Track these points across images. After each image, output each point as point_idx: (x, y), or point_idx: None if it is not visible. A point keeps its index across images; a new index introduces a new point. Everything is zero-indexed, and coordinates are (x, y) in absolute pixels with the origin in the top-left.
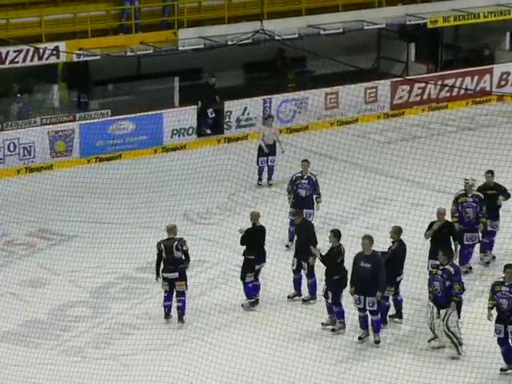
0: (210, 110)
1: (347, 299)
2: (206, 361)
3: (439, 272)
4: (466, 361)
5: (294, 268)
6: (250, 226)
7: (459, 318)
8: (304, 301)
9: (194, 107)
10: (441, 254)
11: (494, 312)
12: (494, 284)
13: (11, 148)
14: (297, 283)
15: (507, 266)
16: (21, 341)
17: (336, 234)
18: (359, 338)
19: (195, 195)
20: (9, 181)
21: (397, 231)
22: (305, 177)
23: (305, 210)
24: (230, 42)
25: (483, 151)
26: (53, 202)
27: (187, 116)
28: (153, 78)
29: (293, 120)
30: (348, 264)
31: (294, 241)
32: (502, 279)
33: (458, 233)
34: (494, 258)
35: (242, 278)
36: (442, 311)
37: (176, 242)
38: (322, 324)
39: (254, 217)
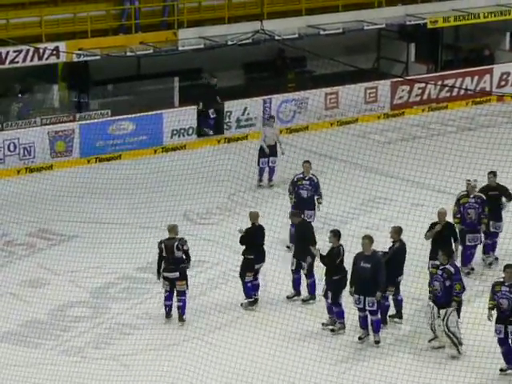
0: (212, 110)
1: (347, 299)
2: (206, 361)
3: (439, 272)
4: (466, 361)
5: (293, 268)
6: (250, 225)
7: (459, 317)
8: (303, 301)
9: (194, 107)
10: (441, 253)
11: (494, 312)
12: (494, 284)
13: (11, 148)
14: (296, 283)
15: (507, 266)
16: (21, 341)
17: (336, 235)
18: (359, 338)
19: (195, 195)
20: (9, 181)
21: (397, 231)
22: (306, 178)
23: (306, 211)
24: (230, 42)
25: (483, 151)
26: (53, 203)
27: (187, 116)
28: (153, 78)
29: (293, 120)
30: (348, 264)
31: (290, 240)
32: (502, 279)
33: (460, 234)
34: (496, 259)
35: (242, 277)
36: (442, 311)
37: (177, 242)
38: (323, 324)
39: (254, 217)
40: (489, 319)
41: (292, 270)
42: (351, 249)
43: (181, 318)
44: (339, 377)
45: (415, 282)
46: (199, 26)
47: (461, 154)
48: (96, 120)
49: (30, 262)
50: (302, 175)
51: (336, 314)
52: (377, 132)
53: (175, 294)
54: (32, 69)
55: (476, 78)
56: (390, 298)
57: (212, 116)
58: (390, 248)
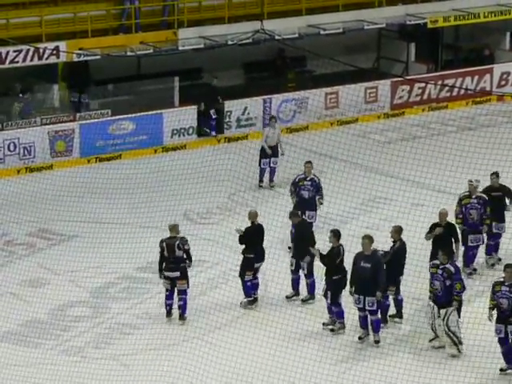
0: (213, 110)
1: (347, 299)
2: (206, 360)
3: (439, 271)
4: (466, 361)
5: (293, 268)
6: (249, 225)
7: (459, 317)
8: (303, 301)
9: (194, 107)
10: (441, 253)
11: (495, 312)
12: (495, 284)
13: (11, 148)
14: (295, 283)
15: (507, 266)
16: (21, 341)
17: (336, 234)
18: (359, 338)
19: (195, 195)
20: (9, 181)
21: (397, 231)
22: (308, 178)
23: (307, 212)
24: (230, 42)
25: (483, 151)
26: (53, 202)
27: (187, 116)
28: (153, 78)
29: (293, 120)
30: (348, 264)
31: (292, 241)
32: (502, 279)
33: (462, 234)
34: (499, 260)
35: (241, 276)
36: (443, 311)
37: (178, 241)
38: (323, 324)
39: (253, 216)
40: (489, 319)
41: (291, 270)
42: (351, 248)
43: (181, 317)
44: (339, 377)
45: (415, 281)
46: (199, 25)
47: (461, 154)
48: (96, 120)
49: (30, 261)
50: (303, 175)
51: (336, 313)
52: (377, 132)
53: (176, 293)
54: (32, 68)
55: (476, 77)
56: (390, 297)
57: (214, 117)
58: (390, 248)
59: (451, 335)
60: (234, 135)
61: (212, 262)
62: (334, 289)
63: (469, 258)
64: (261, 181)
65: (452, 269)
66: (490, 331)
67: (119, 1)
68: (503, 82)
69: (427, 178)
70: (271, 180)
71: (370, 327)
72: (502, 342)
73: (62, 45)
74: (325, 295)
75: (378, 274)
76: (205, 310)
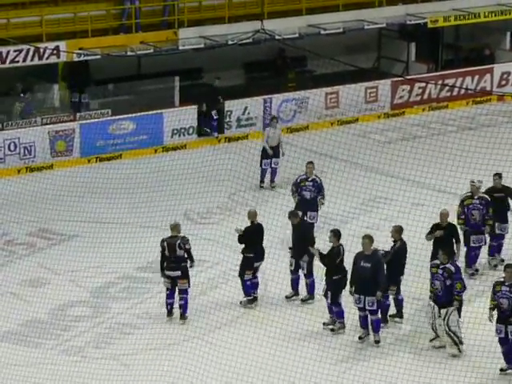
0: (214, 111)
1: (347, 299)
2: (207, 360)
3: (439, 271)
4: (467, 360)
5: (292, 268)
6: (248, 224)
7: (460, 317)
8: (302, 301)
9: (195, 107)
10: (441, 253)
11: (495, 313)
12: (495, 284)
13: (12, 147)
14: (294, 283)
15: (507, 266)
16: (21, 340)
17: (336, 234)
18: (359, 338)
19: (195, 195)
20: (9, 180)
21: (398, 230)
22: (309, 179)
23: (309, 213)
24: (230, 42)
25: (484, 151)
26: (53, 202)
27: (187, 116)
28: (153, 78)
29: (293, 120)
30: (348, 264)
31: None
32: (502, 279)
33: (464, 235)
34: (502, 260)
35: (241, 275)
36: (443, 310)
37: (179, 241)
38: (324, 324)
39: (252, 215)
40: (489, 320)
41: (291, 270)
42: (351, 248)
43: (182, 317)
44: (339, 376)
45: (416, 281)
46: (200, 25)
47: (461, 154)
48: (96, 119)
49: (30, 261)
50: (304, 176)
51: (336, 313)
52: (377, 131)
53: (177, 292)
54: (32, 68)
55: (476, 77)
56: (391, 297)
57: (215, 117)
58: (391, 248)
59: (452, 335)
60: (234, 135)
61: (212, 262)
62: (334, 289)
63: (471, 258)
64: (262, 181)
65: (452, 268)
66: (491, 331)
67: (119, 1)
68: (503, 82)
69: (427, 177)
70: (272, 181)
71: (370, 327)
72: (503, 342)
73: (62, 45)
74: (325, 295)
75: (378, 274)
76: (205, 310)
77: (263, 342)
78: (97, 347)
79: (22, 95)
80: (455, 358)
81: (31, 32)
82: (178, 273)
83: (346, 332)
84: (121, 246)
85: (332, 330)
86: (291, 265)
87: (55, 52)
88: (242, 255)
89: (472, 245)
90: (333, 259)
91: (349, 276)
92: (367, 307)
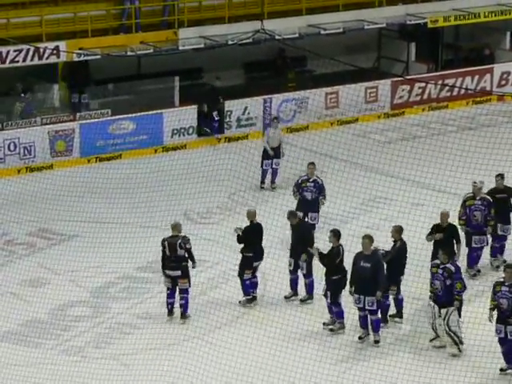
0: (216, 112)
1: (347, 299)
2: (207, 360)
3: (439, 271)
4: (467, 360)
5: (291, 268)
6: (248, 224)
7: (460, 317)
8: (301, 301)
9: (194, 107)
10: (441, 252)
11: (495, 313)
12: (495, 284)
13: (11, 147)
14: (293, 283)
15: (507, 266)
16: (21, 340)
17: (336, 234)
18: (359, 338)
19: (195, 195)
20: (9, 180)
21: (398, 230)
22: (311, 180)
23: (310, 213)
24: (230, 42)
25: (484, 151)
26: (53, 202)
27: (187, 116)
28: (153, 78)
29: (293, 120)
30: (348, 264)
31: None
32: (502, 279)
33: (466, 236)
34: (504, 262)
35: (240, 275)
36: (443, 310)
37: (180, 240)
38: (324, 324)
39: (251, 215)
40: (489, 320)
41: (290, 270)
42: (351, 248)
43: (183, 316)
44: (339, 376)
45: (415, 281)
46: (199, 25)
47: (461, 154)
48: (96, 119)
49: (30, 261)
50: (306, 177)
51: (335, 313)
52: (377, 131)
53: (178, 292)
54: (32, 68)
55: (476, 77)
56: (391, 297)
57: (216, 118)
58: (391, 247)
59: (452, 335)
60: (234, 135)
61: (212, 262)
62: (333, 289)
63: (472, 259)
64: (262, 182)
65: (452, 268)
66: (491, 331)
67: (119, 1)
68: (503, 82)
69: (427, 177)
70: (273, 181)
71: (370, 327)
72: (503, 342)
73: (62, 44)
74: (325, 295)
75: (378, 274)
76: (205, 310)
77: (263, 342)
78: (97, 347)
79: (22, 95)
80: (455, 357)
81: (31, 32)
82: (179, 272)
83: (346, 332)
84: (121, 245)
85: (331, 330)
86: (290, 265)
87: (55, 52)
88: (241, 255)
89: (474, 245)
90: (332, 259)
91: (349, 276)
92: (367, 307)
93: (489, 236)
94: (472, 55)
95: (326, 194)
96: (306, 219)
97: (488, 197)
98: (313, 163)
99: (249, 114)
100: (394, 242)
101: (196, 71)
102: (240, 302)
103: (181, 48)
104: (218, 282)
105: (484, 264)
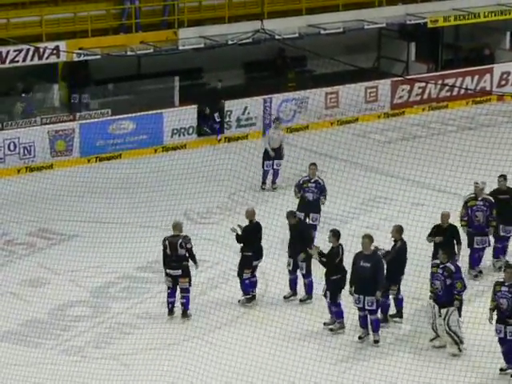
0: (217, 114)
1: (347, 299)
2: (207, 360)
3: (439, 270)
4: (467, 360)
5: (290, 268)
6: (247, 223)
7: (460, 316)
8: (301, 301)
9: (194, 107)
10: (440, 252)
11: (495, 314)
12: (495, 284)
13: (11, 147)
14: (292, 283)
15: (507, 266)
16: (21, 340)
17: (335, 234)
18: (359, 338)
19: (195, 195)
20: (9, 180)
21: (398, 230)
22: (312, 180)
23: (311, 214)
24: (230, 42)
25: (483, 151)
26: (53, 202)
27: (187, 115)
28: (153, 78)
29: (293, 119)
30: (348, 263)
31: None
32: (502, 279)
33: (468, 236)
34: (507, 262)
35: (239, 274)
36: (443, 310)
37: (181, 240)
38: (324, 324)
39: (250, 214)
40: (489, 321)
41: (289, 270)
42: (351, 248)
43: (184, 315)
44: (339, 376)
45: (415, 281)
46: (199, 25)
47: (461, 154)
48: (96, 119)
49: (30, 261)
50: (307, 178)
51: (335, 313)
52: (377, 131)
53: (178, 291)
54: (32, 68)
55: (476, 77)
56: (391, 297)
57: (218, 120)
58: (392, 247)
59: (452, 334)
60: (234, 135)
61: (212, 262)
62: (333, 288)
63: (474, 260)
64: (263, 183)
65: (452, 267)
66: (491, 331)
67: (119, 1)
68: (503, 82)
69: (427, 177)
70: (274, 182)
71: (369, 327)
72: (502, 341)
73: (62, 44)
74: (325, 295)
75: (378, 274)
76: (205, 310)
77: (263, 342)
78: (97, 347)
79: (23, 95)
80: (455, 357)
81: (31, 32)
82: (179, 271)
83: (346, 332)
84: (121, 245)
85: (331, 329)
86: (289, 265)
87: (55, 52)
88: (240, 254)
89: (476, 246)
90: (332, 259)
91: (348, 276)
92: (367, 307)
93: (491, 237)
94: (472, 55)
95: (326, 195)
96: (308, 220)
97: (490, 197)
98: (314, 164)
99: (249, 113)
100: (395, 241)
101: (196, 71)
102: (239, 301)
103: (181, 48)
104: (217, 281)
105: (486, 265)
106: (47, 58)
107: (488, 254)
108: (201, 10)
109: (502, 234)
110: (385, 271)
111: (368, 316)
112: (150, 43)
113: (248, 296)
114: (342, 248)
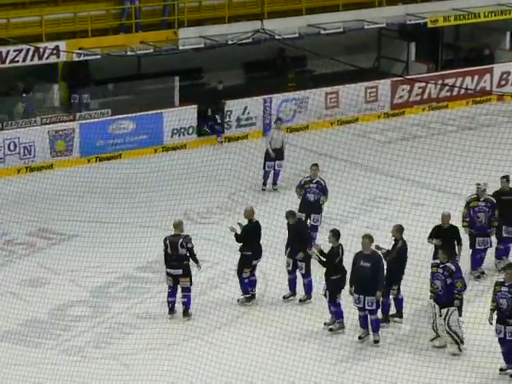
0: (218, 115)
1: (347, 299)
2: (206, 360)
3: (440, 270)
4: (467, 360)
5: (289, 268)
6: (246, 222)
7: (460, 316)
8: (300, 301)
9: (194, 107)
10: (440, 252)
11: (495, 314)
12: (495, 284)
13: (11, 147)
14: (292, 283)
15: (507, 267)
16: (21, 340)
17: (335, 234)
18: (359, 338)
19: (195, 195)
20: (9, 180)
21: (399, 229)
22: (313, 181)
23: (313, 215)
24: (230, 42)
25: (483, 151)
26: (53, 202)
27: (187, 115)
28: (153, 78)
29: (293, 119)
30: (348, 263)
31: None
32: (502, 279)
33: (470, 237)
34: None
35: (239, 273)
36: (444, 310)
37: (181, 239)
38: (325, 324)
39: (249, 213)
40: (489, 322)
41: (288, 270)
42: (351, 248)
43: (186, 314)
44: (339, 376)
45: (415, 281)
46: (199, 25)
47: (461, 154)
48: (96, 119)
49: (30, 261)
50: (309, 178)
51: (334, 313)
52: (377, 131)
53: (179, 290)
54: (32, 68)
55: (476, 77)
56: (391, 296)
57: (219, 121)
58: (392, 247)
59: (452, 334)
60: (234, 135)
61: (212, 262)
62: (332, 288)
63: (476, 261)
64: (264, 184)
65: (452, 267)
66: (491, 331)
67: (119, 0)
68: (503, 82)
69: (427, 177)
70: (274, 183)
71: (369, 327)
72: (502, 342)
73: (62, 44)
74: (325, 295)
75: (378, 274)
76: (205, 310)
77: (263, 342)
78: (97, 347)
79: (24, 95)
80: (455, 357)
81: (31, 32)
82: (180, 271)
83: (346, 332)
84: (121, 245)
85: (331, 329)
86: (288, 265)
87: (55, 52)
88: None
89: (477, 247)
90: (332, 259)
91: (348, 276)
92: (367, 307)
93: (493, 237)
94: (472, 55)
95: (327, 196)
96: (309, 221)
97: (492, 198)
98: (316, 164)
99: (249, 113)
100: (395, 241)
101: (196, 71)
102: (238, 300)
103: (181, 48)
104: (217, 281)
105: (488, 266)
106: (47, 58)
107: (489, 254)
108: (201, 10)
109: (504, 235)
110: (385, 271)
111: (368, 316)
112: (150, 43)
113: (247, 295)
114: (342, 248)
